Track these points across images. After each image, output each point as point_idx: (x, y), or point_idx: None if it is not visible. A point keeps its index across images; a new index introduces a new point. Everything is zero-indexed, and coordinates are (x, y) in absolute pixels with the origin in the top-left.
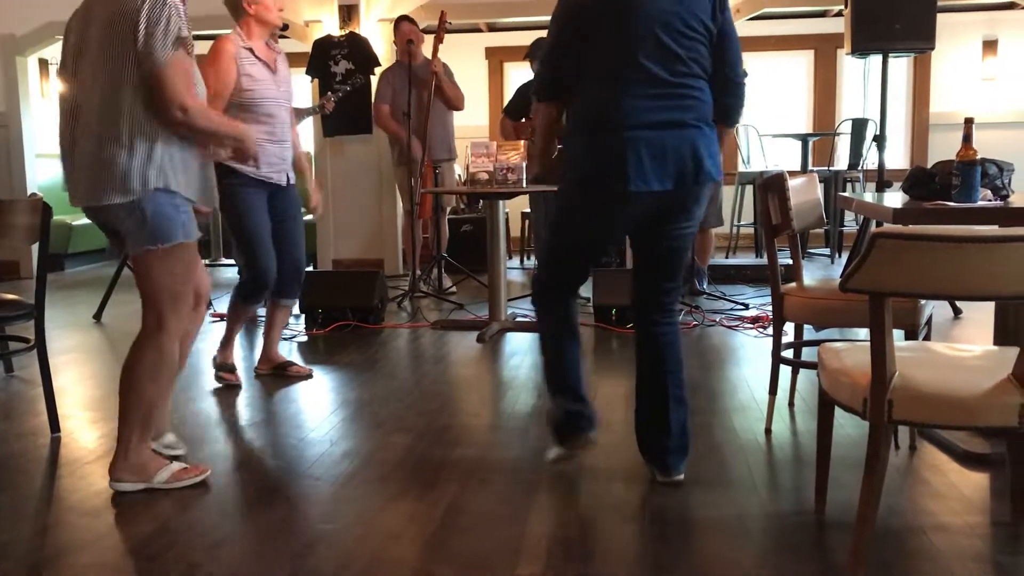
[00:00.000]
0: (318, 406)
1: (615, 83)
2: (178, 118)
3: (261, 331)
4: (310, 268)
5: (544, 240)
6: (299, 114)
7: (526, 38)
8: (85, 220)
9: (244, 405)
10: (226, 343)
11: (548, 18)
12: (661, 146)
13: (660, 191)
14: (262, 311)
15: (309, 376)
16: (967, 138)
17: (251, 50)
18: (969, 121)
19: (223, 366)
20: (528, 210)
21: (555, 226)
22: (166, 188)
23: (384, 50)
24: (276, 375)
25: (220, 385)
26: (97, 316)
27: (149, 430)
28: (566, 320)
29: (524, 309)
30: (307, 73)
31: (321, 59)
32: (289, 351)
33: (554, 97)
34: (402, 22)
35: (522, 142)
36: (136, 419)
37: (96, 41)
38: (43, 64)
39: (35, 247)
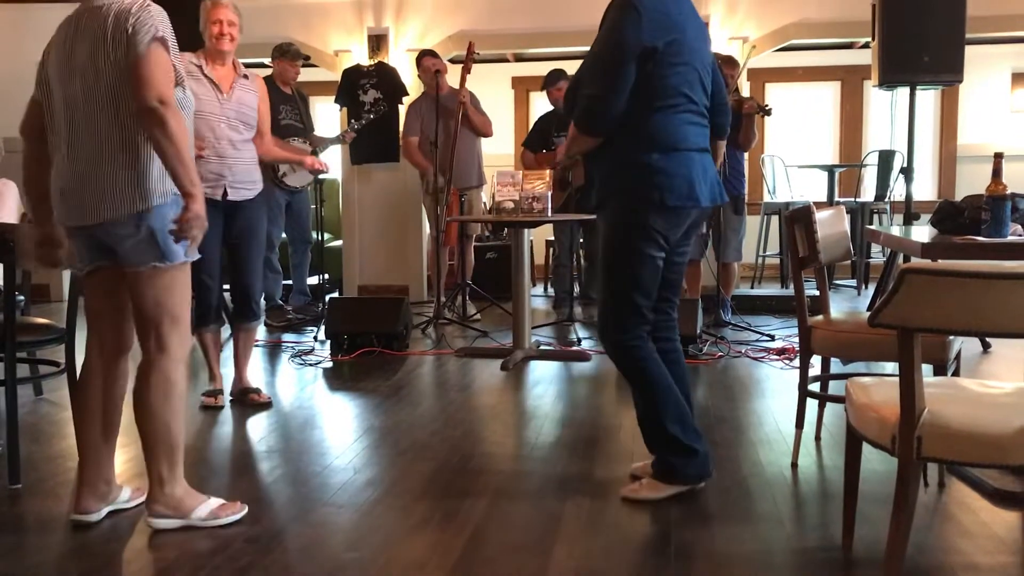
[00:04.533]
0: (342, 433)
1: (671, 112)
2: (153, 106)
3: (287, 356)
4: (335, 294)
5: (607, 278)
6: (322, 142)
7: (552, 68)
8: None
9: (268, 432)
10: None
11: (571, 49)
12: (703, 167)
13: (703, 208)
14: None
15: (269, 405)
16: (997, 172)
17: (200, 67)
18: (999, 156)
19: (206, 392)
20: (552, 238)
21: (618, 254)
22: (172, 198)
23: (412, 79)
24: (239, 400)
25: (246, 412)
26: None
27: (178, 461)
28: (650, 350)
29: (548, 337)
30: (336, 102)
31: (350, 88)
32: (314, 377)
33: (611, 127)
34: (424, 57)
35: (548, 172)
36: (161, 450)
37: (88, 57)
38: None
39: (66, 272)
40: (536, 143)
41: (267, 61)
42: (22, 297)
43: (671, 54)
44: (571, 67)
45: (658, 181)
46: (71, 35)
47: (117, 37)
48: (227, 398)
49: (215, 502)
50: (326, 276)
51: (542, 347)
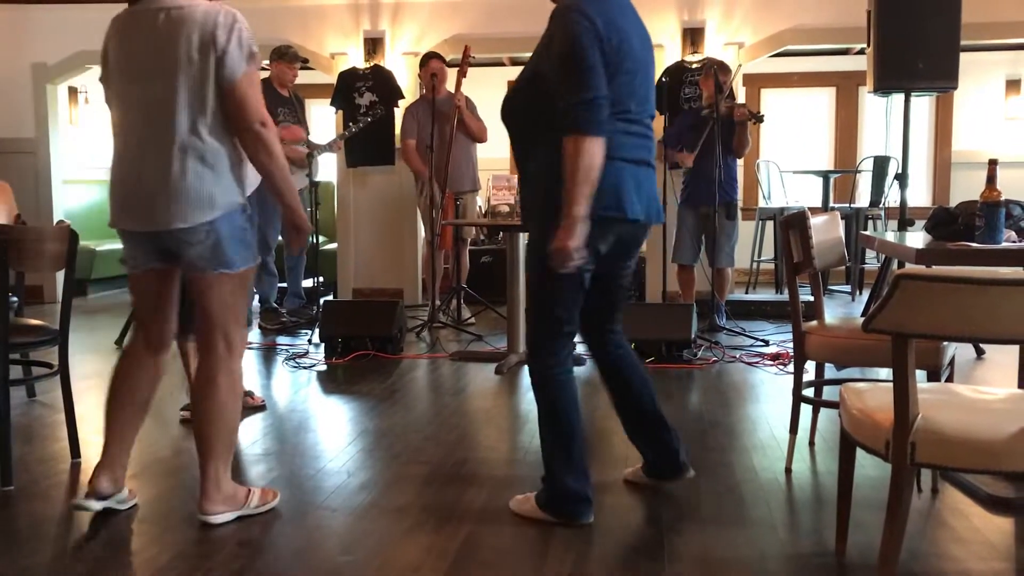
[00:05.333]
0: (336, 436)
1: (612, 120)
2: (257, 130)
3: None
4: (330, 297)
5: (535, 288)
6: (316, 147)
7: None
8: (109, 246)
9: (262, 435)
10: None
11: None
12: (638, 180)
13: (635, 222)
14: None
15: (262, 408)
16: (991, 179)
17: None
18: (993, 162)
19: (185, 406)
20: None
21: (543, 274)
22: (240, 206)
23: (408, 83)
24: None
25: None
26: (119, 342)
27: (230, 459)
28: (574, 385)
29: None
30: (332, 104)
31: (346, 91)
32: (308, 380)
33: (607, 122)
34: (432, 59)
35: None
36: (222, 449)
37: (170, 61)
38: (72, 92)
39: (60, 273)
40: None
41: (265, 63)
42: (16, 298)
43: (617, 61)
44: None
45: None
46: (143, 33)
47: (204, 45)
48: None
49: (257, 490)
50: (321, 279)
51: None
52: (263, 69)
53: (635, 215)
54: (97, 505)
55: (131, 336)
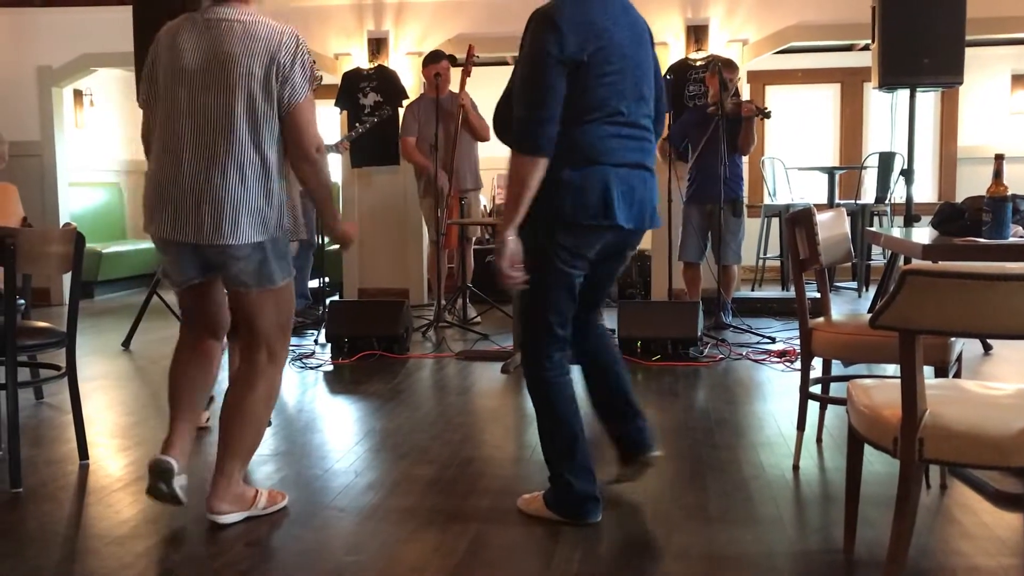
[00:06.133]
0: (343, 436)
1: (594, 124)
2: (313, 157)
3: None
4: (336, 297)
5: (527, 291)
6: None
7: None
8: (115, 248)
9: (269, 435)
10: None
11: None
12: (630, 185)
13: (625, 228)
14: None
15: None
16: (998, 174)
17: None
18: (1000, 157)
19: None
20: None
21: (537, 268)
22: (286, 229)
23: (413, 83)
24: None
25: None
26: (126, 344)
27: (248, 461)
28: (570, 387)
29: None
30: (336, 105)
31: (350, 91)
32: (315, 380)
33: (549, 148)
34: (443, 59)
35: None
36: (244, 451)
37: (231, 74)
38: (78, 95)
39: (67, 276)
40: None
41: None
42: (23, 301)
43: (597, 64)
44: None
45: (566, 197)
46: (203, 41)
47: (268, 64)
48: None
49: (265, 491)
50: (327, 280)
51: None
52: None
53: (623, 222)
54: (166, 488)
55: (182, 331)
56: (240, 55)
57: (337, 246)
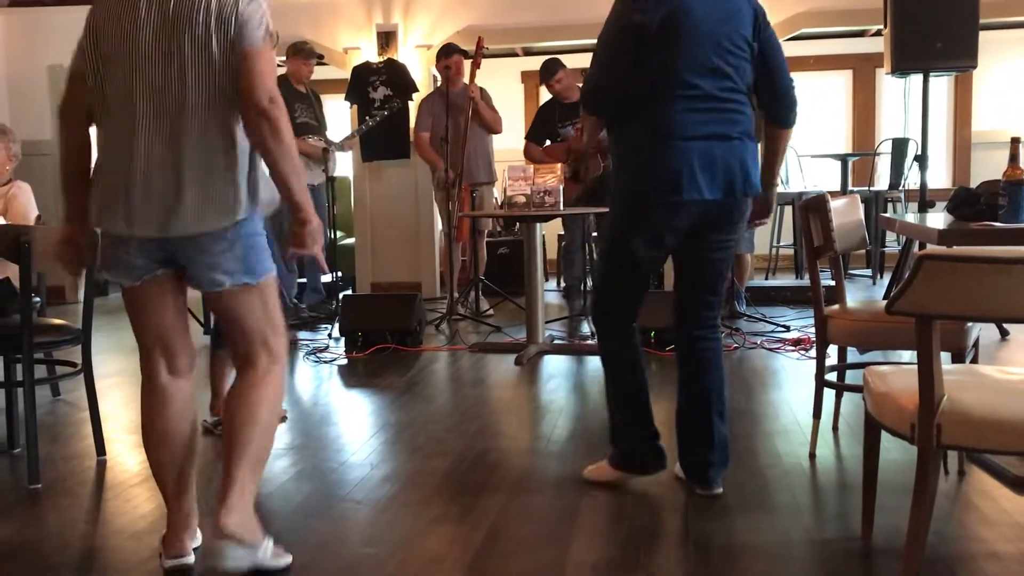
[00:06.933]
0: (358, 429)
1: (668, 98)
2: (264, 106)
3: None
4: (349, 292)
5: (598, 263)
6: (330, 146)
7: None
8: None
9: (285, 429)
10: (217, 397)
11: (580, 42)
12: (710, 156)
13: (711, 200)
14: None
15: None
16: (1014, 158)
17: None
18: (1016, 141)
19: (218, 423)
20: (563, 232)
21: (609, 244)
22: (257, 212)
23: (422, 76)
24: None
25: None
26: None
27: (261, 474)
28: (631, 346)
29: (561, 332)
30: (346, 99)
31: (360, 85)
32: (330, 374)
33: (608, 109)
34: (455, 54)
35: (559, 165)
36: (253, 459)
37: (181, 38)
38: None
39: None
40: (540, 135)
41: (281, 59)
42: (38, 298)
43: (667, 33)
44: (579, 60)
45: (642, 173)
46: (143, 8)
47: (225, 23)
48: None
49: (270, 542)
50: (339, 274)
51: (556, 341)
52: (279, 65)
53: (702, 194)
54: (189, 559)
55: (146, 367)
56: (191, 15)
57: (344, 240)
